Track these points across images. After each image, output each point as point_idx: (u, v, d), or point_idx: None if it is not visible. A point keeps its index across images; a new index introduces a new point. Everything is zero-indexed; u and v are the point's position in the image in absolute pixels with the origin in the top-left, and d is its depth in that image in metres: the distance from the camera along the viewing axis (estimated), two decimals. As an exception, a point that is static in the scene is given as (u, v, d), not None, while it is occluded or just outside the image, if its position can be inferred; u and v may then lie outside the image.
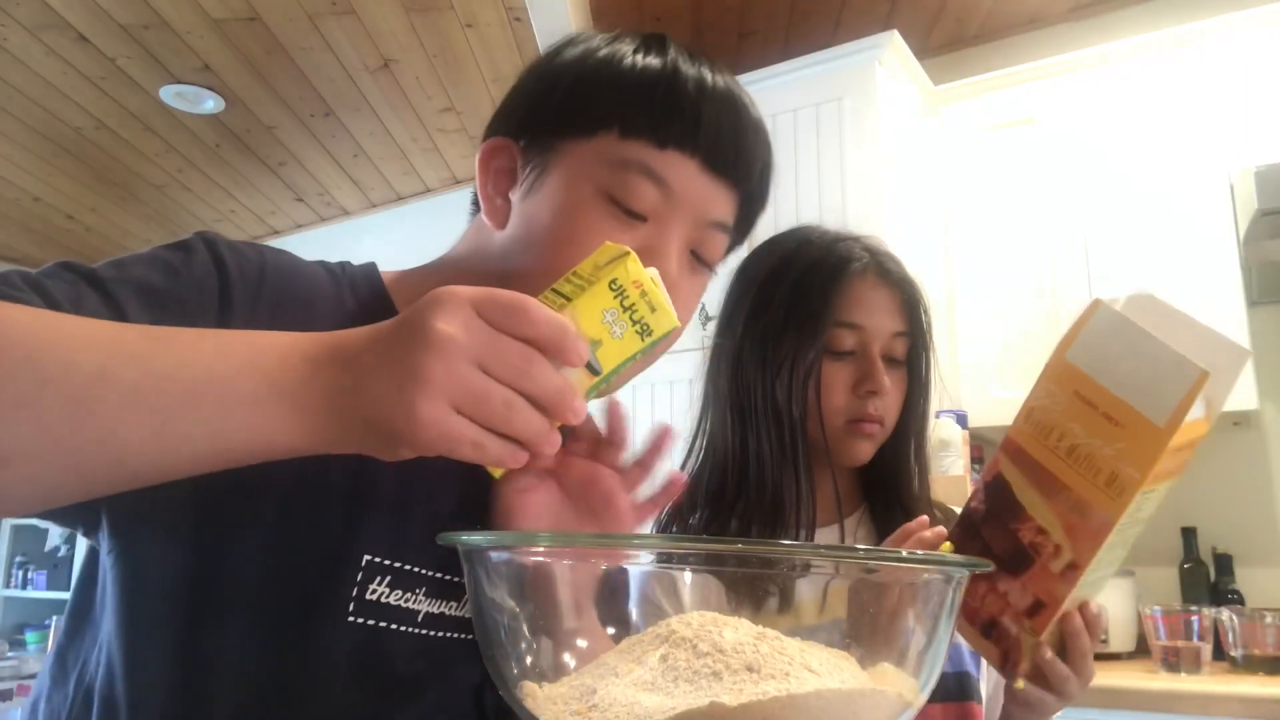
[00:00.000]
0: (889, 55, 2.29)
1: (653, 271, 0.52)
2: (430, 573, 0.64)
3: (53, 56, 2.88)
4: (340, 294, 0.65)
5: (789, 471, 0.93)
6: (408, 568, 0.63)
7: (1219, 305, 2.08)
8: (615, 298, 0.50)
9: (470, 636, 0.64)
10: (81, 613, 0.62)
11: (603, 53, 0.67)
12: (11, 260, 4.74)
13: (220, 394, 0.44)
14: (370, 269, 0.70)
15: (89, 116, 3.26)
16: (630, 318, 0.50)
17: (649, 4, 2.73)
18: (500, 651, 0.44)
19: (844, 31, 2.74)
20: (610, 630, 0.45)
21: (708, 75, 0.66)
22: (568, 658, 0.44)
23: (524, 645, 0.44)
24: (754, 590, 0.44)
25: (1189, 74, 2.21)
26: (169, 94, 3.11)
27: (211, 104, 3.18)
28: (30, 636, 4.42)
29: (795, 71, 2.32)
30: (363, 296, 0.67)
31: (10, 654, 4.20)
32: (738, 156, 0.66)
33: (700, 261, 0.68)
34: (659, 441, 0.65)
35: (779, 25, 2.82)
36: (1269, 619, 1.84)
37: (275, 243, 4.46)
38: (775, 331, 0.95)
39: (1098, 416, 0.56)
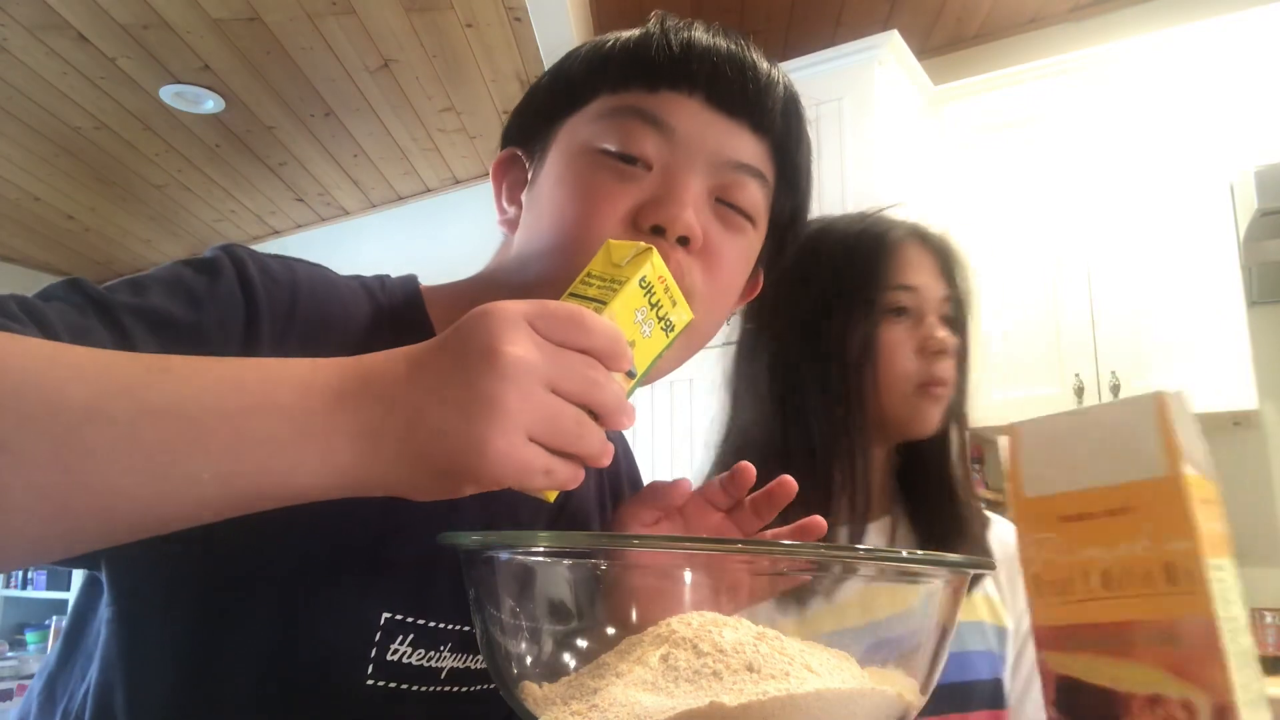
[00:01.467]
0: (889, 55, 2.29)
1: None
2: (455, 627, 0.59)
3: (53, 56, 2.88)
4: (379, 317, 0.60)
5: (843, 456, 0.88)
6: (431, 624, 0.58)
7: (1219, 305, 2.08)
8: (645, 295, 0.48)
9: (493, 686, 0.60)
10: (74, 640, 0.59)
11: (592, 41, 0.66)
12: (11, 260, 4.74)
13: (231, 434, 0.39)
14: (410, 285, 0.65)
15: (89, 116, 3.26)
16: (656, 315, 0.49)
17: (649, 4, 2.73)
18: (500, 651, 0.44)
19: (844, 31, 2.75)
20: (610, 630, 0.45)
21: (701, 25, 0.62)
22: (568, 658, 0.44)
23: (524, 645, 0.44)
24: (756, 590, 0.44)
25: (1189, 74, 2.21)
26: (169, 94, 3.11)
27: (211, 104, 3.18)
28: (30, 636, 4.42)
29: (795, 71, 2.29)
30: (402, 317, 0.62)
31: (10, 654, 4.20)
32: (746, 91, 0.60)
33: (735, 209, 0.61)
34: (782, 493, 0.60)
35: (779, 25, 2.82)
36: (1269, 619, 1.84)
37: (275, 243, 4.48)
38: (822, 309, 0.90)
39: (1101, 521, 0.47)
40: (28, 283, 4.79)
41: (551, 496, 0.46)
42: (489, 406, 0.39)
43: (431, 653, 0.58)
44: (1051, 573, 0.48)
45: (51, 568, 4.40)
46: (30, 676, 3.94)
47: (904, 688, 0.42)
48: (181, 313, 0.50)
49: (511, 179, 0.67)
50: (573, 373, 0.42)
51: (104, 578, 0.54)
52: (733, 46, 0.62)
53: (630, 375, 0.47)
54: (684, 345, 0.59)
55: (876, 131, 2.24)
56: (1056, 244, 2.30)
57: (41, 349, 0.40)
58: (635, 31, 0.63)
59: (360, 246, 4.19)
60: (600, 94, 0.61)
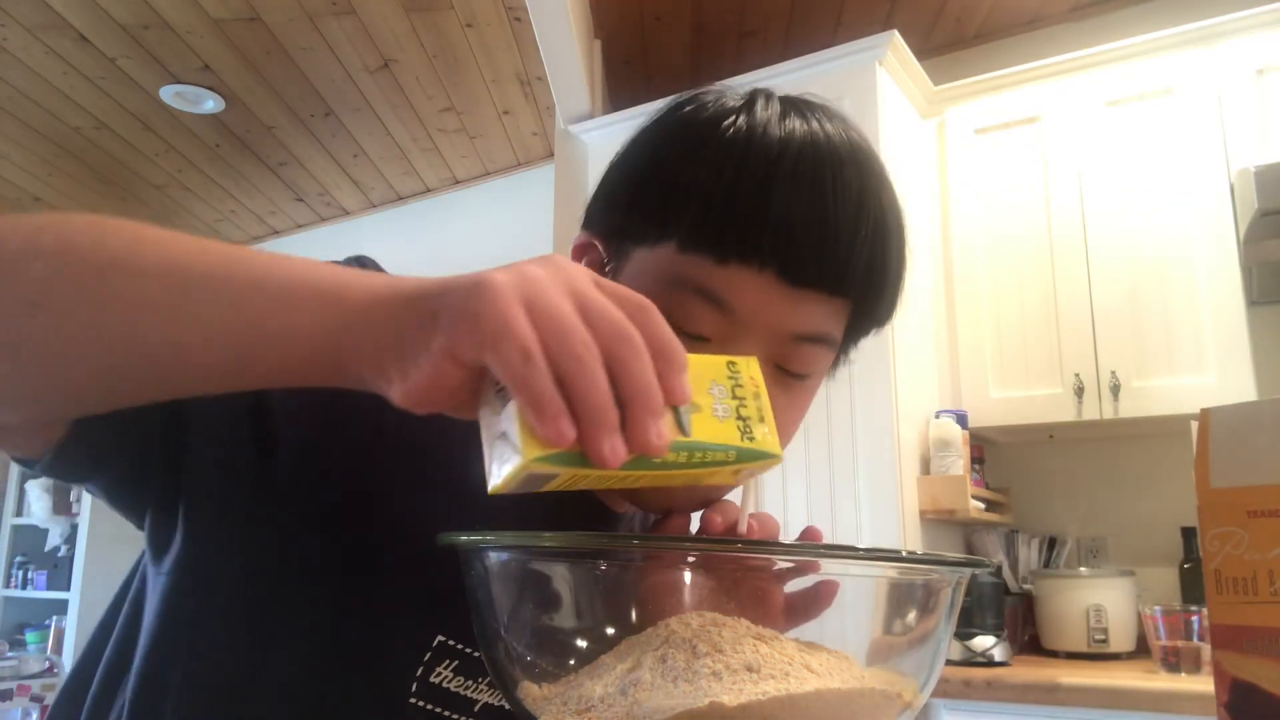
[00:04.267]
0: (889, 55, 2.29)
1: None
2: None
3: (53, 56, 2.88)
4: None
5: None
6: (477, 654, 0.58)
7: (1219, 305, 2.08)
8: (729, 378, 0.42)
9: None
10: (118, 672, 0.57)
11: (669, 136, 0.58)
12: (11, 260, 4.74)
13: (253, 273, 0.40)
14: None
15: (89, 116, 3.26)
16: (737, 410, 0.41)
17: (649, 4, 2.73)
18: (500, 651, 0.44)
19: (844, 31, 2.75)
20: (610, 630, 0.45)
21: (791, 148, 0.54)
22: (568, 658, 0.44)
23: (524, 645, 0.44)
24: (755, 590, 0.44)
25: (1189, 74, 2.21)
26: (169, 94, 3.11)
27: (211, 104, 3.18)
28: (30, 636, 4.42)
29: (795, 71, 2.32)
30: None
31: (10, 654, 4.20)
32: (822, 260, 0.53)
33: (789, 374, 0.56)
34: (825, 594, 0.59)
35: (779, 25, 2.82)
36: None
37: (275, 243, 4.48)
38: None
39: None
40: (28, 283, 4.78)
41: (529, 453, 0.35)
42: (506, 269, 0.37)
43: (470, 683, 0.59)
44: (1234, 569, 0.45)
45: (51, 568, 4.40)
46: (30, 676, 3.94)
47: (904, 688, 0.42)
48: None
49: (590, 263, 0.61)
50: (611, 315, 0.36)
51: (169, 553, 0.54)
52: (819, 185, 0.53)
53: (681, 430, 0.38)
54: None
55: (876, 131, 2.24)
56: (1056, 244, 2.30)
57: (92, 218, 0.42)
58: (720, 149, 0.54)
59: (360, 247, 4.18)
60: (672, 239, 0.54)
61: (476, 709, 0.60)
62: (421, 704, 0.57)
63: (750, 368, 0.43)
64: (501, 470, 0.37)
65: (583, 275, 0.38)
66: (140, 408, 0.45)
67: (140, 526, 0.56)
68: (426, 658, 0.57)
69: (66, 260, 0.40)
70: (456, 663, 0.58)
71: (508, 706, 0.59)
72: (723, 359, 0.43)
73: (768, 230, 0.52)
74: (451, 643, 0.57)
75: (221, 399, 0.51)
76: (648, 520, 0.72)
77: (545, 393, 0.34)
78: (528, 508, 0.60)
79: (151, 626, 0.55)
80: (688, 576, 0.43)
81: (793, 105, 0.58)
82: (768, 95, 0.59)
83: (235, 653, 0.54)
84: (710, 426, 0.40)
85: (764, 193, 0.53)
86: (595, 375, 0.35)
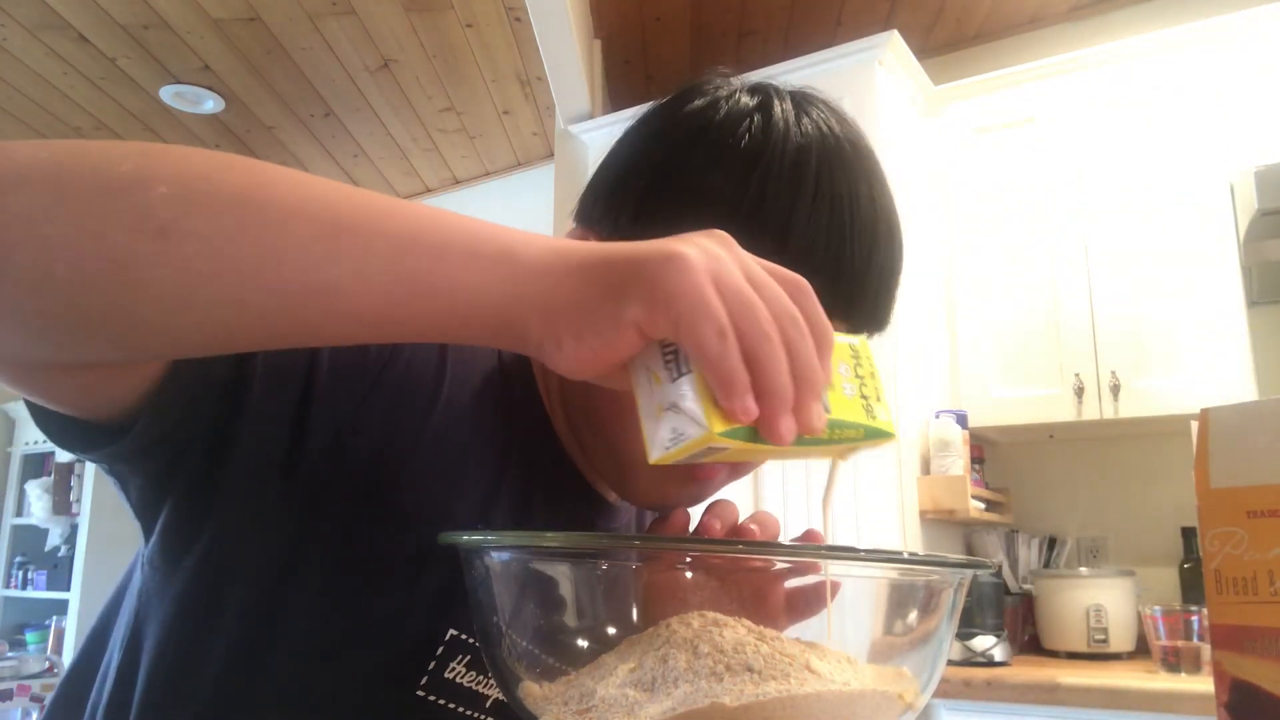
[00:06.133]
0: (889, 55, 2.29)
1: None
2: None
3: (53, 56, 2.88)
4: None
5: None
6: None
7: (1219, 305, 2.08)
8: (852, 358, 0.43)
9: None
10: (123, 703, 0.56)
11: (693, 137, 0.57)
12: (11, 260, 4.74)
13: (413, 222, 0.39)
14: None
15: (89, 116, 3.26)
16: (860, 389, 0.43)
17: (649, 4, 2.73)
18: (500, 651, 0.44)
19: (844, 31, 2.75)
20: (610, 630, 0.45)
21: (810, 160, 0.55)
22: (568, 658, 0.44)
23: (524, 645, 0.44)
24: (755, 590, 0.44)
25: (1189, 74, 2.21)
26: (169, 94, 3.11)
27: (211, 104, 3.18)
28: (30, 636, 4.42)
29: (795, 71, 2.32)
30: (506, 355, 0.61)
31: (10, 654, 4.20)
32: (839, 289, 0.54)
33: None
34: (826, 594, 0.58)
35: (779, 25, 2.82)
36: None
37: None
38: None
39: None
40: (28, 283, 4.79)
41: (716, 426, 0.37)
42: (689, 243, 0.38)
43: (483, 678, 0.59)
44: (1233, 569, 0.45)
45: (51, 568, 4.40)
46: (31, 676, 3.94)
47: (904, 688, 0.42)
48: None
49: None
50: (781, 298, 0.38)
51: (193, 550, 0.54)
52: (836, 226, 0.55)
53: (825, 408, 0.40)
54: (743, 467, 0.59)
55: (876, 131, 2.24)
56: (1056, 244, 2.30)
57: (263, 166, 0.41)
58: (734, 161, 0.55)
59: (360, 246, 4.18)
60: None
61: (488, 705, 0.60)
62: (432, 698, 0.57)
63: (864, 350, 0.45)
64: (676, 441, 0.38)
65: (747, 255, 0.39)
66: (191, 395, 0.45)
67: (151, 524, 0.55)
68: (439, 652, 0.57)
69: (193, 188, 0.37)
70: (469, 657, 0.58)
71: None
72: (845, 341, 0.44)
73: (790, 248, 0.54)
74: (464, 637, 0.57)
75: (272, 390, 0.51)
76: (643, 517, 0.72)
77: (736, 371, 0.36)
78: (526, 506, 0.60)
79: (166, 622, 0.54)
80: (688, 576, 0.43)
81: (802, 107, 0.58)
82: (779, 93, 0.59)
83: (250, 646, 0.54)
84: (844, 405, 0.42)
85: (789, 209, 0.54)
86: (780, 356, 0.37)
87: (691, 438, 0.37)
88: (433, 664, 0.57)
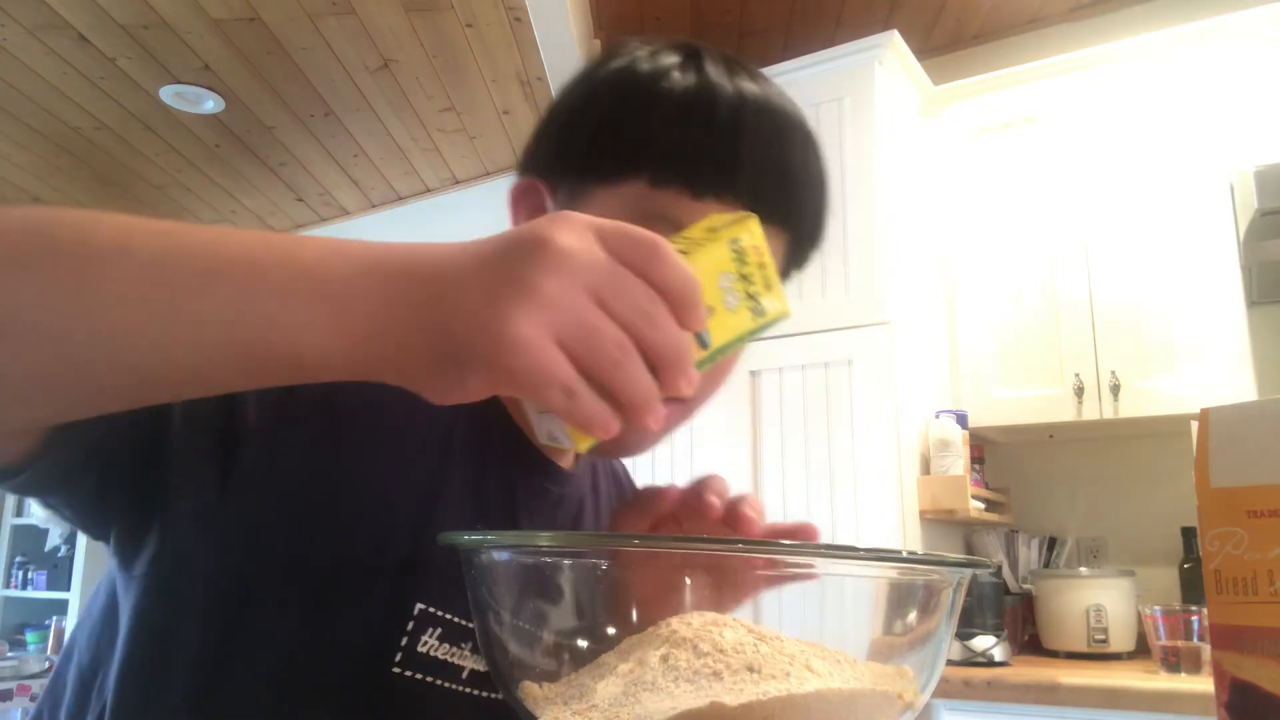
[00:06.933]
0: (889, 55, 2.29)
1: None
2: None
3: (53, 56, 2.88)
4: None
5: None
6: (458, 620, 0.59)
7: (1219, 305, 2.08)
8: (734, 261, 0.43)
9: None
10: (90, 675, 0.58)
11: (630, 83, 0.61)
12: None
13: (246, 276, 0.37)
14: None
15: (89, 116, 3.26)
16: (746, 290, 0.43)
17: (649, 4, 2.73)
18: (500, 651, 0.44)
19: (844, 31, 2.74)
20: (610, 630, 0.45)
21: (749, 102, 0.59)
22: (568, 658, 0.44)
23: (524, 645, 0.44)
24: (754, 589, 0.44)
25: (1189, 74, 2.21)
26: (169, 94, 3.11)
27: (211, 104, 3.18)
28: (30, 636, 4.42)
29: (795, 71, 2.32)
30: None
31: (10, 654, 4.20)
32: (786, 201, 0.60)
33: None
34: (802, 533, 0.59)
35: (779, 25, 2.82)
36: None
37: (275, 243, 4.49)
38: None
39: None
40: (28, 283, 4.79)
41: (582, 445, 0.40)
42: (519, 288, 0.36)
43: (455, 649, 0.60)
44: (1233, 569, 0.45)
45: (51, 568, 4.40)
46: (31, 676, 3.94)
47: (905, 688, 0.42)
48: None
49: (530, 206, 0.65)
50: (628, 294, 0.37)
51: (142, 556, 0.54)
52: (779, 138, 0.60)
53: (702, 344, 0.41)
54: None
55: (876, 131, 2.24)
56: (1056, 244, 2.30)
57: (73, 210, 0.39)
58: (684, 95, 0.59)
59: (360, 246, 4.18)
60: (640, 176, 0.58)
61: (465, 675, 0.60)
62: (409, 674, 0.57)
63: (753, 234, 0.45)
64: (555, 441, 0.42)
65: (587, 234, 0.38)
66: (107, 417, 0.44)
67: (105, 540, 0.56)
68: (410, 627, 0.57)
69: (50, 249, 0.37)
70: (441, 630, 0.58)
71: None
72: (724, 239, 0.44)
73: (742, 174, 0.58)
74: (432, 610, 0.58)
75: (195, 402, 0.51)
76: (596, 479, 0.76)
77: (590, 414, 0.37)
78: (480, 478, 0.62)
79: (130, 627, 0.55)
80: (678, 567, 0.44)
81: (730, 63, 0.63)
82: (705, 51, 0.63)
83: (217, 643, 0.54)
84: (726, 324, 0.43)
85: (735, 140, 0.58)
86: (633, 372, 0.37)
87: (566, 445, 0.40)
88: (405, 640, 0.57)
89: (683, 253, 0.41)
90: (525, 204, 0.65)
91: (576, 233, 0.37)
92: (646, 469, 2.29)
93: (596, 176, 0.60)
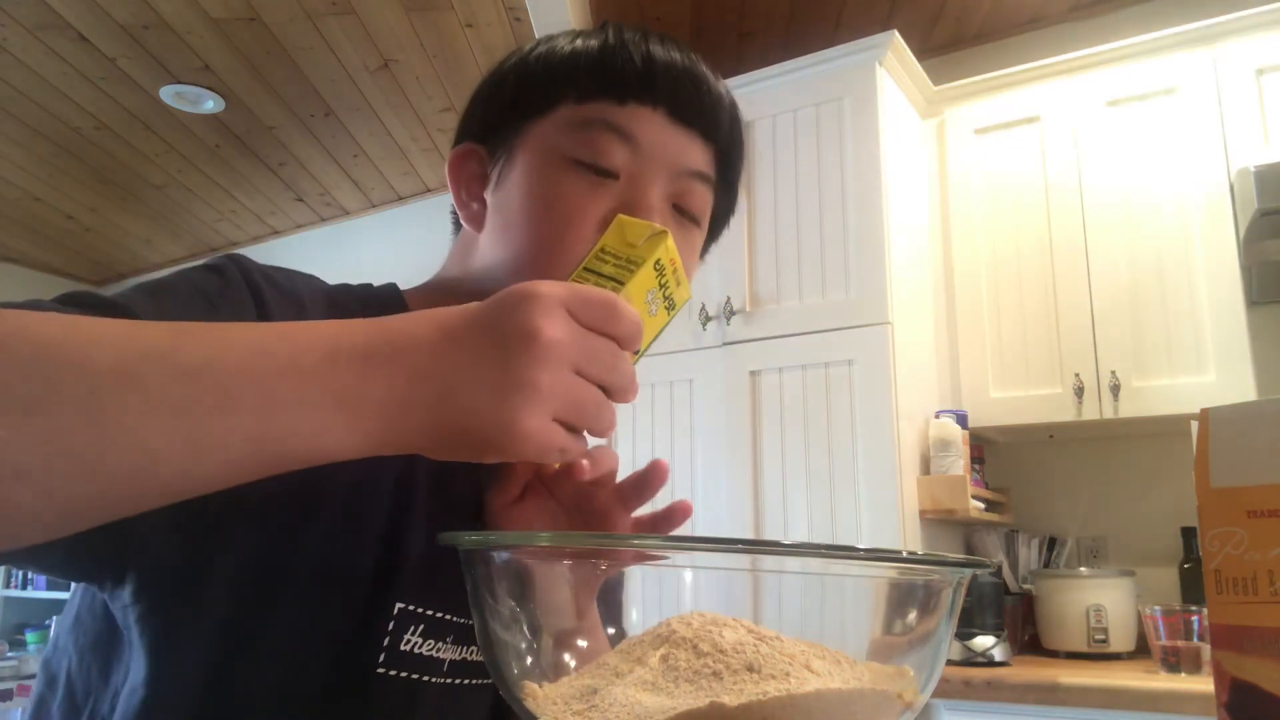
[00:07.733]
0: (889, 55, 2.29)
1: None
2: (457, 619, 0.62)
3: (53, 56, 2.88)
4: None
5: None
6: (438, 615, 0.61)
7: (1219, 305, 2.08)
8: (657, 277, 0.52)
9: (490, 681, 0.63)
10: (101, 641, 0.58)
11: (549, 39, 0.68)
12: (12, 260, 4.74)
13: (261, 397, 0.39)
14: (394, 292, 0.68)
15: (89, 116, 3.26)
16: (663, 294, 0.53)
17: (649, 4, 2.73)
18: (500, 651, 0.44)
19: (844, 31, 2.75)
20: (610, 630, 0.45)
21: (654, 37, 0.66)
22: (568, 658, 0.44)
23: (524, 645, 0.44)
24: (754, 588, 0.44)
25: (1189, 74, 2.21)
26: (169, 94, 3.11)
27: (211, 104, 3.18)
28: (30, 636, 4.42)
29: (795, 71, 2.32)
30: None
31: (10, 654, 4.20)
32: (702, 104, 0.65)
33: (685, 215, 0.66)
34: (656, 474, 0.63)
35: (779, 25, 2.82)
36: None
37: (275, 243, 4.47)
38: None
39: None
40: (28, 282, 4.79)
41: (556, 465, 0.51)
42: (523, 389, 0.42)
43: (438, 644, 0.61)
44: (1234, 569, 0.45)
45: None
46: (31, 676, 3.94)
47: (904, 688, 0.42)
48: (200, 315, 0.51)
49: (470, 174, 0.68)
50: (599, 357, 0.45)
51: (130, 577, 0.53)
52: (687, 61, 0.66)
53: (635, 352, 0.49)
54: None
55: (876, 131, 2.24)
56: (1056, 244, 2.30)
57: (58, 319, 0.39)
58: (591, 39, 0.65)
59: (360, 246, 4.19)
60: (566, 101, 0.64)
61: (445, 668, 0.62)
62: (394, 673, 0.58)
63: (668, 250, 0.54)
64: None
65: (561, 312, 0.44)
66: None
67: (83, 581, 0.56)
68: (391, 627, 0.58)
69: (51, 389, 0.36)
70: (422, 626, 0.60)
71: (472, 659, 0.63)
72: (650, 263, 0.53)
73: (658, 75, 0.63)
74: (412, 608, 0.59)
75: None
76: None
77: (577, 454, 0.47)
78: (446, 473, 0.63)
79: (129, 651, 0.54)
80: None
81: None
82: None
83: (212, 661, 0.53)
84: (651, 326, 0.53)
85: (649, 50, 0.64)
86: (606, 413, 0.46)
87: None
88: (387, 640, 0.58)
89: (619, 280, 0.50)
90: (464, 170, 0.69)
91: (554, 316, 0.43)
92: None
93: (528, 113, 0.65)
